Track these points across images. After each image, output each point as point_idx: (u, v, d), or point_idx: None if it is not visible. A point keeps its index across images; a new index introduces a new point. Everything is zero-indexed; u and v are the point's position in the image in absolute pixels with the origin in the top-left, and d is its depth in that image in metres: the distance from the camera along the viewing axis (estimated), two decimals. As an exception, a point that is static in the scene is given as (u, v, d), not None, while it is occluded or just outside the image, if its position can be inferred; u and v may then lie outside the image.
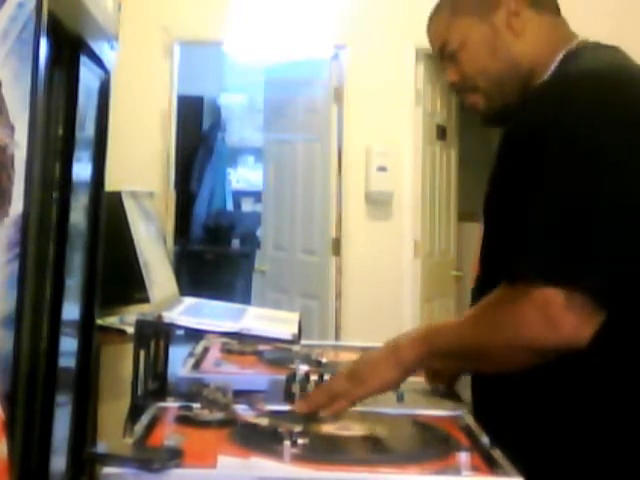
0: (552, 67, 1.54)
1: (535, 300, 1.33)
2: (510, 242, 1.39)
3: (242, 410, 1.50)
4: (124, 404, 1.61)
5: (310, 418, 1.46)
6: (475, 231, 1.83)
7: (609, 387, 1.42)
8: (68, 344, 1.99)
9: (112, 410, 2.65)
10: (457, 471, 1.21)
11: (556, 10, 1.62)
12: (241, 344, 2.14)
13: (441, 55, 1.66)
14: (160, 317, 1.66)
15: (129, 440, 1.32)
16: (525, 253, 1.36)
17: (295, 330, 1.75)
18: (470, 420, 1.53)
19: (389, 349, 1.53)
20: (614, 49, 1.56)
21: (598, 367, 1.40)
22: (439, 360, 1.54)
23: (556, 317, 1.32)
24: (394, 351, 1.51)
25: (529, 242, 1.36)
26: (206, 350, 2.13)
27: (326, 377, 1.72)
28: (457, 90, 1.67)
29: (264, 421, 1.43)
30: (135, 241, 2.03)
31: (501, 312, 1.39)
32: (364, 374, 1.52)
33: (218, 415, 1.45)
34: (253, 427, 1.41)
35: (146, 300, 1.92)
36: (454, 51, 1.62)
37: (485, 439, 1.38)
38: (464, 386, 1.70)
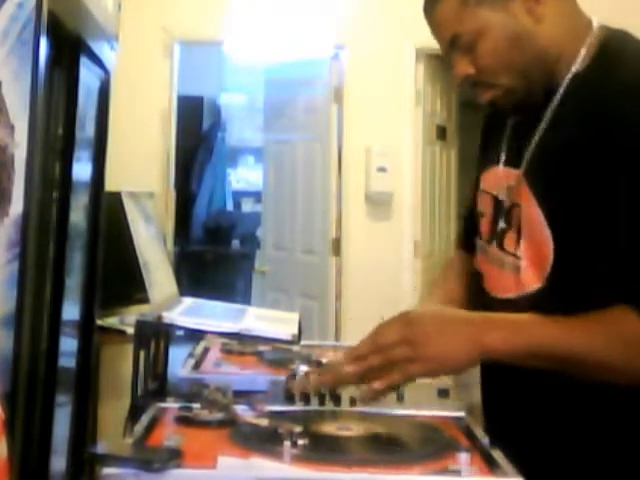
0: (582, 50, 1.45)
1: None
2: (621, 260, 1.34)
3: (242, 410, 1.50)
4: (124, 404, 1.61)
5: (311, 418, 1.47)
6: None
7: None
8: (68, 344, 1.98)
9: (112, 410, 2.65)
10: (457, 471, 1.21)
11: None
12: (241, 344, 2.14)
13: (451, 47, 1.50)
14: (160, 317, 1.66)
15: (129, 440, 1.32)
16: None
17: (295, 330, 1.75)
18: (470, 421, 1.53)
19: (469, 329, 1.37)
20: None
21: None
22: (529, 359, 1.37)
23: None
24: (476, 336, 1.36)
25: None
26: (206, 350, 2.13)
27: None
28: (470, 83, 1.52)
29: (264, 421, 1.43)
30: (135, 241, 2.03)
31: (626, 330, 1.33)
32: (433, 347, 1.35)
33: (218, 415, 1.45)
34: (253, 427, 1.41)
35: (146, 300, 1.93)
36: (469, 43, 1.46)
37: (485, 439, 1.38)
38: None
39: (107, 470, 1.17)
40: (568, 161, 1.41)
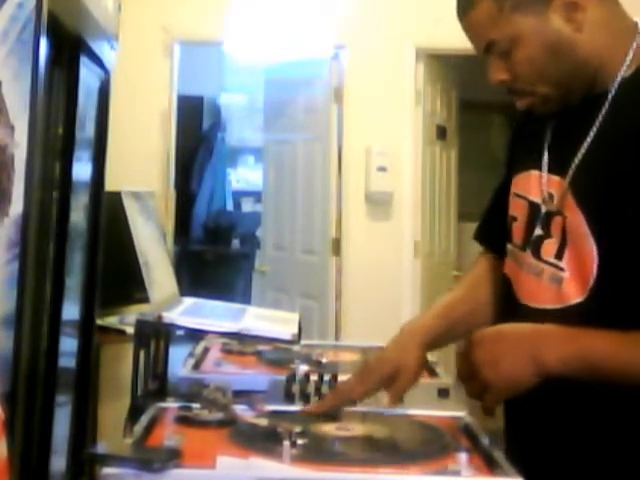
0: (629, 55, 1.41)
1: None
2: None
3: (242, 410, 1.50)
4: (124, 404, 1.61)
5: (311, 418, 1.47)
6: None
7: None
8: (68, 344, 1.99)
9: (112, 410, 2.65)
10: (457, 471, 1.21)
11: None
12: (241, 344, 2.14)
13: (486, 52, 1.45)
14: (160, 317, 1.66)
15: (129, 440, 1.32)
16: None
17: (295, 330, 1.75)
18: (470, 420, 1.53)
19: (527, 350, 1.36)
20: None
21: None
22: (586, 376, 1.35)
23: None
24: (537, 357, 1.35)
25: None
26: (206, 350, 2.13)
27: (326, 377, 1.72)
28: (506, 89, 1.47)
29: (264, 421, 1.43)
30: (135, 241, 2.03)
31: None
32: (504, 369, 1.36)
33: (218, 415, 1.45)
34: (253, 427, 1.41)
35: (146, 300, 1.93)
36: (505, 50, 1.42)
37: (485, 439, 1.38)
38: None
39: (107, 470, 1.17)
40: (618, 172, 1.37)
